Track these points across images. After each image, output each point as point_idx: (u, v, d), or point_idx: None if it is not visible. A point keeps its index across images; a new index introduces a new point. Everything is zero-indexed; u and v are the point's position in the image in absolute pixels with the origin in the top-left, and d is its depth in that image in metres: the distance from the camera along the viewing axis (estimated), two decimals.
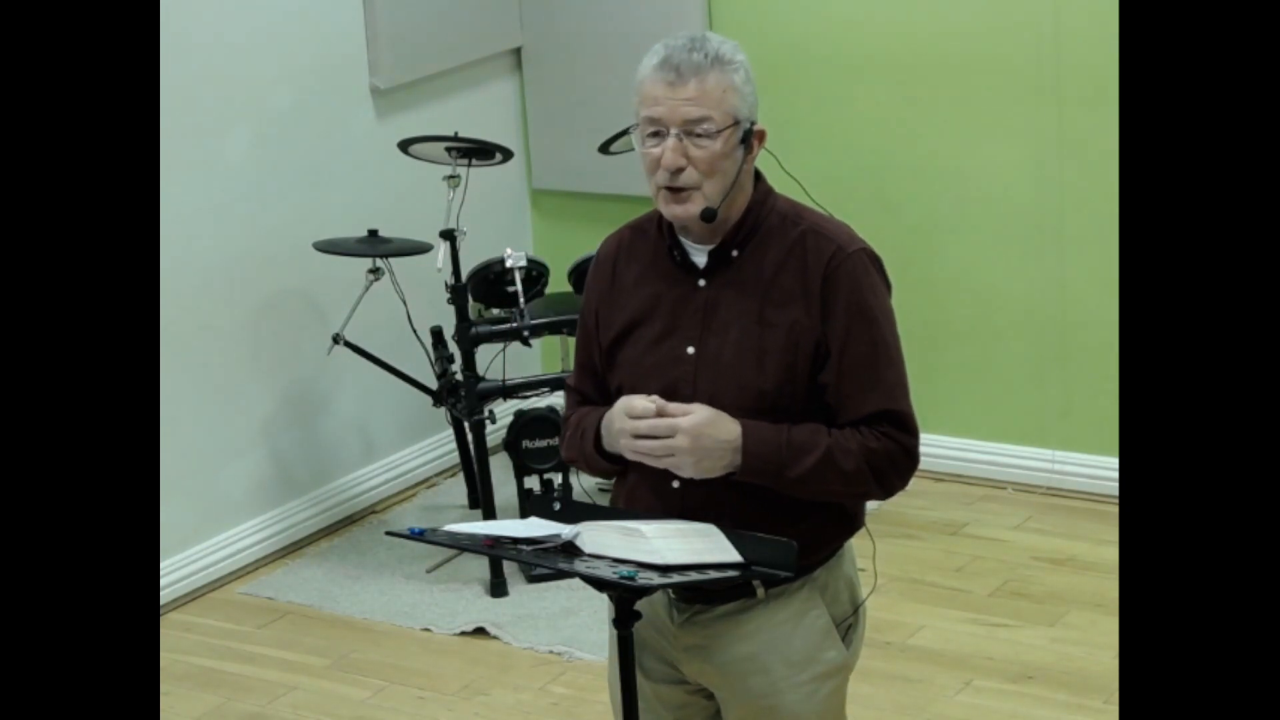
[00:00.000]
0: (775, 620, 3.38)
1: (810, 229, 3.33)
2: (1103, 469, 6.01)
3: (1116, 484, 5.85)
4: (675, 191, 3.28)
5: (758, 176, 3.38)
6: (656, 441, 3.24)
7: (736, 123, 3.27)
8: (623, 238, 3.47)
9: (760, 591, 3.37)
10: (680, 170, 3.26)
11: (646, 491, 3.39)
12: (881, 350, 3.32)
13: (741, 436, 3.24)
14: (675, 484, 3.35)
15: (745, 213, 3.34)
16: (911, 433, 3.34)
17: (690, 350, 3.33)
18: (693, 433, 3.21)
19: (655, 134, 3.28)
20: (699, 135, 3.25)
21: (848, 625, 3.45)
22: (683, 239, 3.37)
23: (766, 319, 3.30)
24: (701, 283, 3.35)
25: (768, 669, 3.39)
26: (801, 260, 3.31)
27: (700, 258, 3.36)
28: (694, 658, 3.44)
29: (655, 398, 3.28)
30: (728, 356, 3.30)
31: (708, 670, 3.44)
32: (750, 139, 3.30)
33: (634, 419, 3.27)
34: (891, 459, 3.31)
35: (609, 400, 3.42)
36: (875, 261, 3.36)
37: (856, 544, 3.51)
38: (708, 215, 3.28)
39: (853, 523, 3.44)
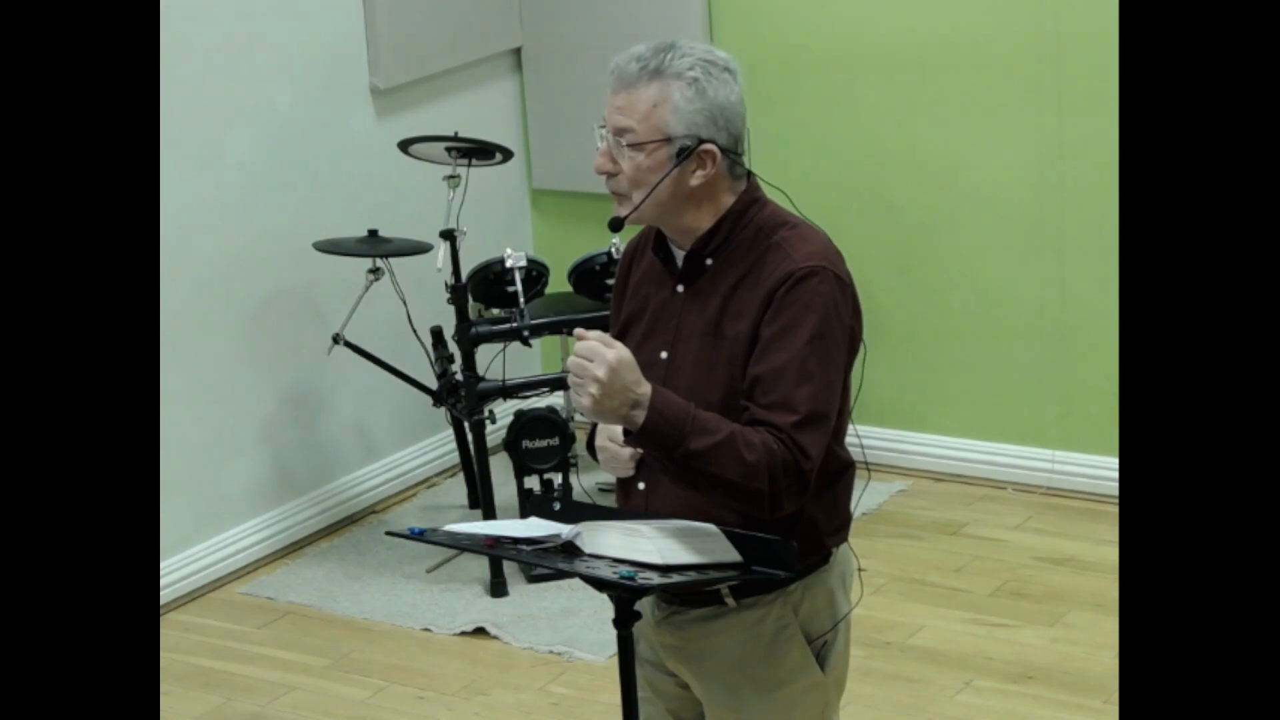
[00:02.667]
0: (745, 633, 3.37)
1: (776, 244, 3.29)
2: (1103, 469, 6.01)
3: (1116, 484, 5.85)
4: (614, 194, 3.33)
5: (749, 186, 3.35)
6: (578, 362, 3.13)
7: (668, 139, 3.25)
8: (642, 237, 3.48)
9: (730, 601, 3.36)
10: (610, 175, 3.31)
11: (620, 494, 3.42)
12: (793, 369, 3.21)
13: (650, 395, 3.14)
14: (640, 485, 3.36)
15: (717, 223, 3.32)
16: (808, 458, 3.20)
17: (664, 355, 3.34)
18: (613, 365, 3.11)
19: (603, 135, 3.33)
20: (624, 145, 3.27)
21: (824, 642, 3.41)
22: (670, 243, 3.38)
23: (721, 331, 3.28)
24: (679, 288, 3.36)
25: (736, 681, 3.39)
26: (758, 275, 3.28)
27: (680, 262, 3.38)
28: (671, 656, 3.46)
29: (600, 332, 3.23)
30: (689, 365, 3.30)
31: (683, 670, 3.46)
32: (693, 156, 3.26)
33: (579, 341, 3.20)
34: (787, 471, 3.19)
35: None
36: (831, 282, 3.26)
37: (848, 552, 3.48)
38: (613, 224, 3.33)
39: (825, 540, 3.38)
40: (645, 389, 3.14)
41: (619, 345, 3.15)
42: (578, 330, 3.18)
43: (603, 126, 3.32)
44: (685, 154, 3.26)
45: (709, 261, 3.33)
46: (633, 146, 3.26)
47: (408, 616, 5.63)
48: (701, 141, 3.26)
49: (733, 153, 3.31)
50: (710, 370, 3.28)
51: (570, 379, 3.16)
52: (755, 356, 3.24)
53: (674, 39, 3.31)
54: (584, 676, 5.24)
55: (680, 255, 3.36)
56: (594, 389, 3.11)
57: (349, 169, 6.19)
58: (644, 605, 3.40)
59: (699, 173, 3.28)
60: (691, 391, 3.25)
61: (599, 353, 3.12)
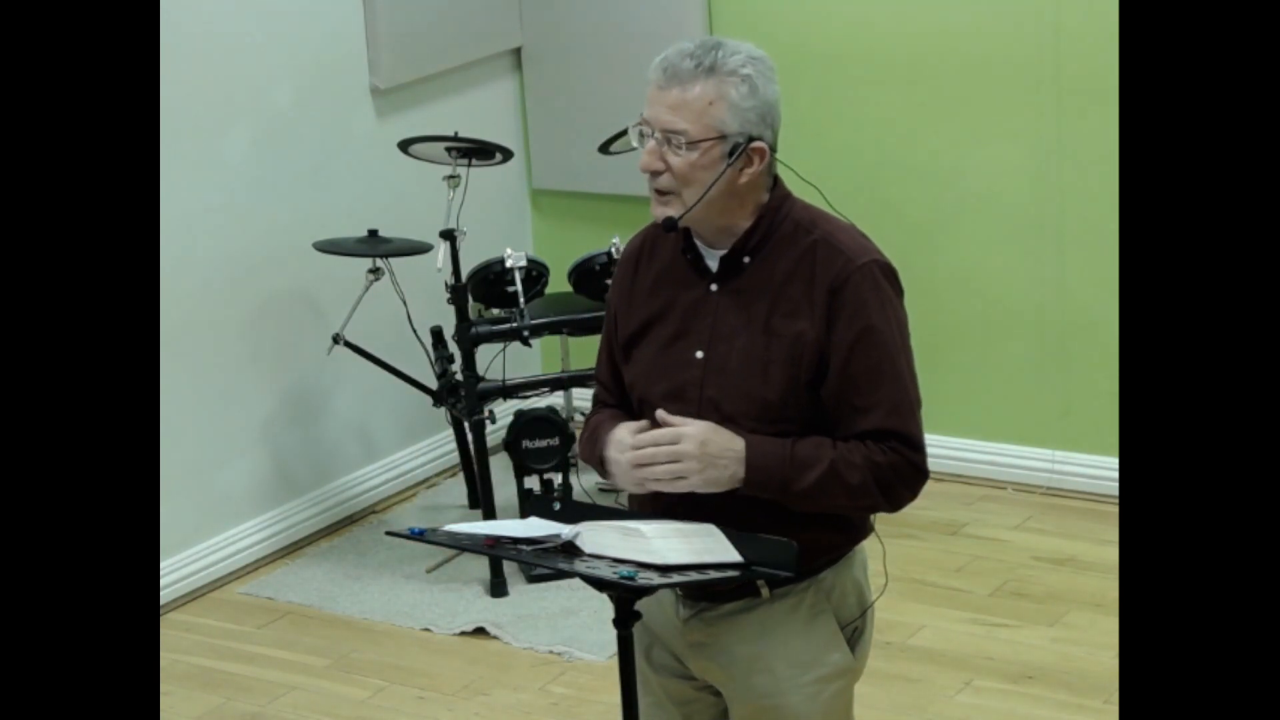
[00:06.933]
0: (780, 621, 3.38)
1: (822, 239, 3.31)
2: (1103, 469, 6.01)
3: (1116, 484, 5.85)
4: (659, 193, 3.30)
5: (776, 183, 3.36)
6: (661, 451, 3.20)
7: (723, 137, 3.24)
8: (647, 236, 3.47)
9: (765, 591, 3.37)
10: (658, 173, 3.27)
11: (648, 499, 3.41)
12: (886, 366, 3.29)
13: (745, 449, 3.22)
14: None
15: (756, 220, 3.32)
16: (918, 449, 3.33)
17: (699, 355, 3.33)
18: (699, 438, 3.19)
19: (645, 134, 3.29)
20: (674, 144, 3.25)
21: (854, 629, 3.44)
22: (697, 242, 3.37)
23: (773, 328, 3.28)
24: (714, 287, 3.35)
25: (771, 669, 3.39)
26: (810, 271, 3.29)
27: (713, 262, 3.36)
28: (699, 655, 3.44)
29: (643, 422, 3.29)
30: (734, 364, 3.29)
31: (712, 668, 3.44)
32: (743, 153, 3.27)
33: (632, 449, 3.26)
34: (898, 473, 3.31)
35: (625, 395, 3.44)
36: (887, 273, 3.33)
37: (864, 545, 3.50)
38: (667, 224, 3.29)
39: (858, 529, 3.43)
40: (740, 444, 3.21)
41: (689, 420, 3.21)
42: (617, 441, 3.24)
43: (640, 124, 3.29)
44: (737, 152, 3.26)
45: (747, 260, 3.33)
46: (683, 146, 3.24)
47: (408, 616, 5.63)
48: (752, 139, 3.27)
49: (774, 150, 3.32)
50: (764, 369, 3.28)
51: (661, 470, 3.21)
52: (840, 359, 3.26)
53: (718, 38, 3.31)
54: (584, 676, 5.24)
55: (713, 254, 3.35)
56: (696, 467, 3.19)
57: (349, 169, 6.19)
58: (665, 606, 3.41)
59: (748, 170, 3.28)
60: (744, 391, 3.26)
61: (678, 434, 3.19)
